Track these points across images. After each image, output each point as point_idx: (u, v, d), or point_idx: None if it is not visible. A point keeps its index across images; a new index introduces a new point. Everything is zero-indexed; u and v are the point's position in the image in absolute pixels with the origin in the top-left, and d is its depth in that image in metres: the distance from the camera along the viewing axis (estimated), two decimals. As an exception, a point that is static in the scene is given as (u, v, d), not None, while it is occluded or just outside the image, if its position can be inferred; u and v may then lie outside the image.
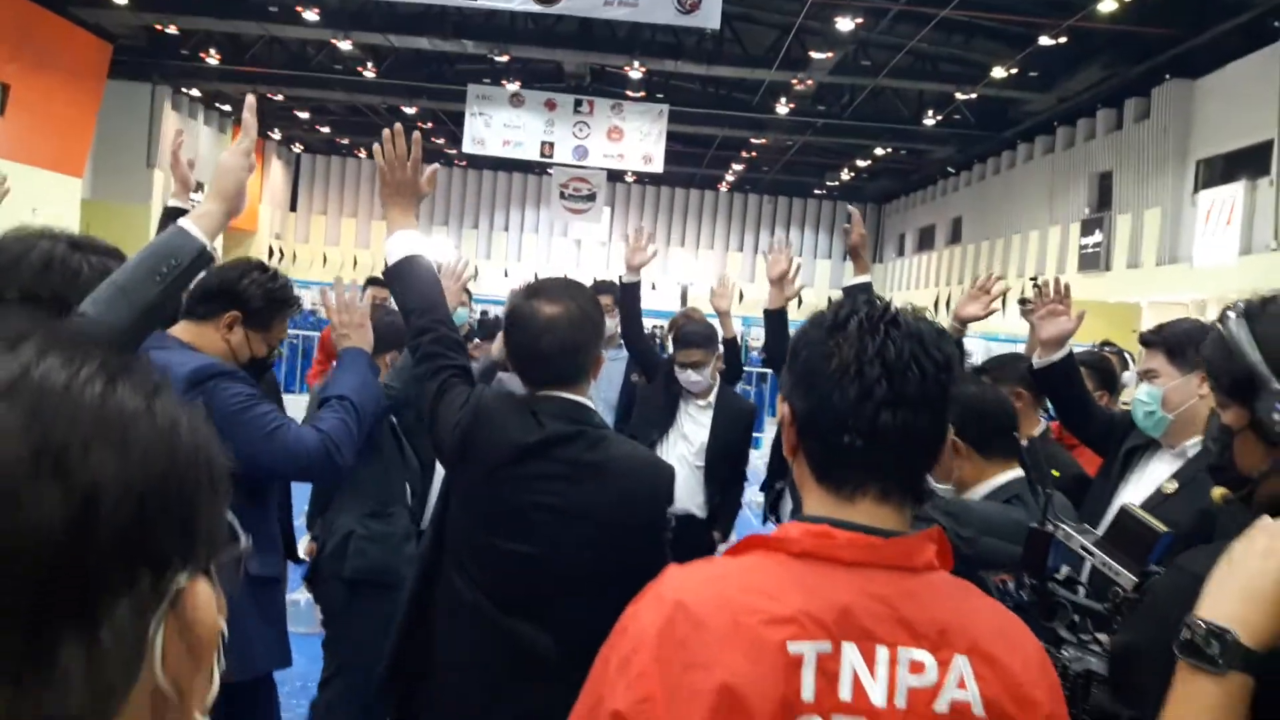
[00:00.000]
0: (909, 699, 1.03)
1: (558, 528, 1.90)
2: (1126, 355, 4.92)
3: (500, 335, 2.72)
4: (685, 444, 3.74)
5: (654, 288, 34.18)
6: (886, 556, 1.07)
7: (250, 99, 1.95)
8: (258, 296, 2.37)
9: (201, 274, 2.13)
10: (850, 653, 1.03)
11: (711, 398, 3.72)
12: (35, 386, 0.41)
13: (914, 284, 31.13)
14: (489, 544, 1.91)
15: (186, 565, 0.46)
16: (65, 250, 1.76)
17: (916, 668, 1.04)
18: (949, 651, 1.05)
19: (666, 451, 3.71)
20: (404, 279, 2.19)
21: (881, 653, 1.03)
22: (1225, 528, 1.28)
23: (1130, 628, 1.26)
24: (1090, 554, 1.41)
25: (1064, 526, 1.46)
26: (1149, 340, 2.70)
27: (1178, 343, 2.53)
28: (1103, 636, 1.39)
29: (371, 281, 6.79)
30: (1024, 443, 3.05)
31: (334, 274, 30.98)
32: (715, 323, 4.51)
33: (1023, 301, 4.22)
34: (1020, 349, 4.57)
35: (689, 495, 3.65)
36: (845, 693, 1.02)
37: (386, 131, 2.26)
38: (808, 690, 1.01)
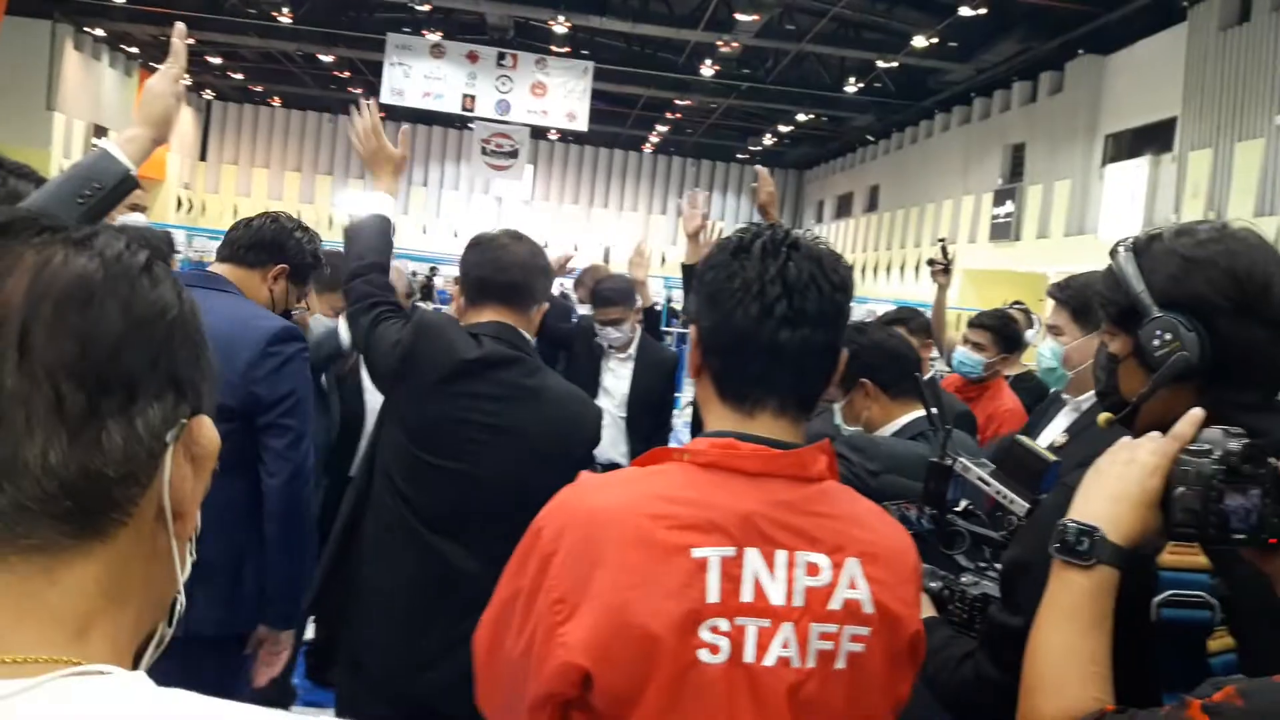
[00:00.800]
0: (806, 598, 1.10)
1: (489, 447, 1.95)
2: (1033, 316, 5.15)
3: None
4: (607, 397, 3.76)
5: (576, 249, 34.01)
6: (785, 466, 1.13)
7: (179, 25, 1.91)
8: (302, 254, 2.47)
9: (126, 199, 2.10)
10: (752, 557, 1.08)
11: (632, 349, 3.74)
12: (102, 250, 0.58)
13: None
14: (420, 460, 1.95)
15: (194, 400, 0.60)
16: None
17: (812, 569, 1.10)
18: (841, 555, 1.12)
19: None
20: (360, 231, 2.31)
21: (780, 556, 1.09)
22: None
23: (1018, 543, 1.32)
24: (986, 484, 1.47)
25: (962, 459, 1.51)
26: (1056, 296, 2.78)
27: (1083, 303, 2.59)
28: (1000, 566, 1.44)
29: None
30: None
31: (246, 226, 30.10)
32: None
33: (931, 262, 4.39)
34: (929, 312, 4.75)
35: (613, 445, 3.67)
36: (747, 594, 1.08)
37: (353, 107, 2.33)
38: (713, 593, 1.06)
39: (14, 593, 0.53)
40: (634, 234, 33.79)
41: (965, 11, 15.86)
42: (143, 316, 0.57)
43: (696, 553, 1.07)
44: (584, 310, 4.44)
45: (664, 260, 33.65)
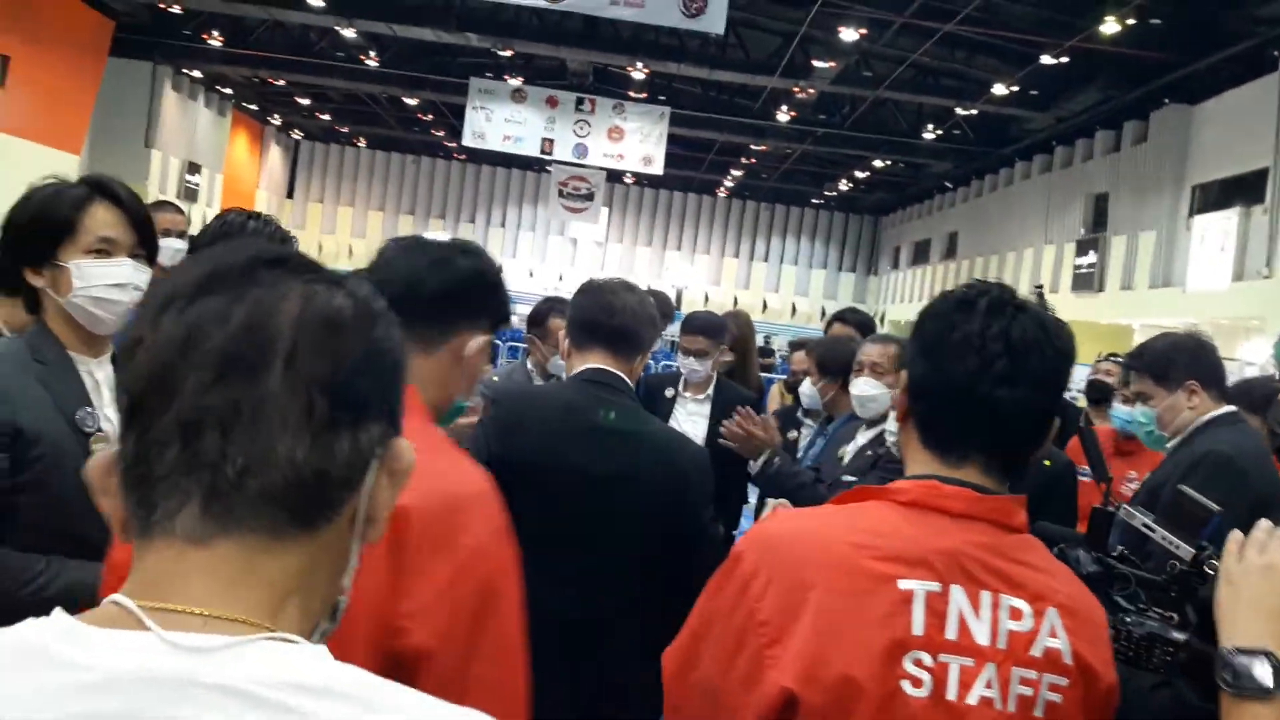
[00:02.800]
0: (1009, 641, 1.09)
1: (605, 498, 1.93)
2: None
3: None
4: None
5: (648, 290, 34.18)
6: (989, 511, 1.13)
7: None
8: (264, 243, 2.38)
9: None
10: (957, 594, 1.09)
11: (709, 390, 3.64)
12: (352, 292, 0.68)
13: (908, 298, 31.20)
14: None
15: (396, 425, 0.69)
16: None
17: (1016, 614, 1.10)
18: (1043, 603, 1.12)
19: None
20: None
21: (985, 596, 1.09)
22: None
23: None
24: (1151, 530, 1.55)
25: (1125, 507, 1.60)
26: (1132, 365, 2.87)
27: (1159, 365, 2.72)
28: (1159, 610, 1.49)
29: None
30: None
31: (330, 261, 30.87)
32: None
33: None
34: None
35: None
36: (952, 631, 1.08)
37: None
38: (918, 626, 1.07)
39: (241, 564, 0.62)
40: (706, 277, 33.88)
41: (1046, 60, 15.69)
42: (377, 350, 0.67)
43: (903, 584, 1.08)
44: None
45: (735, 303, 33.63)
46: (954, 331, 1.15)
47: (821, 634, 1.05)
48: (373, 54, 21.03)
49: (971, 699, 1.07)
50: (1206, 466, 2.37)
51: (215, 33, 21.18)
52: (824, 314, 32.53)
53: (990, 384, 1.13)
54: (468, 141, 22.13)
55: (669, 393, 3.64)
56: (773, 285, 34.20)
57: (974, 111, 19.55)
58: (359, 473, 0.66)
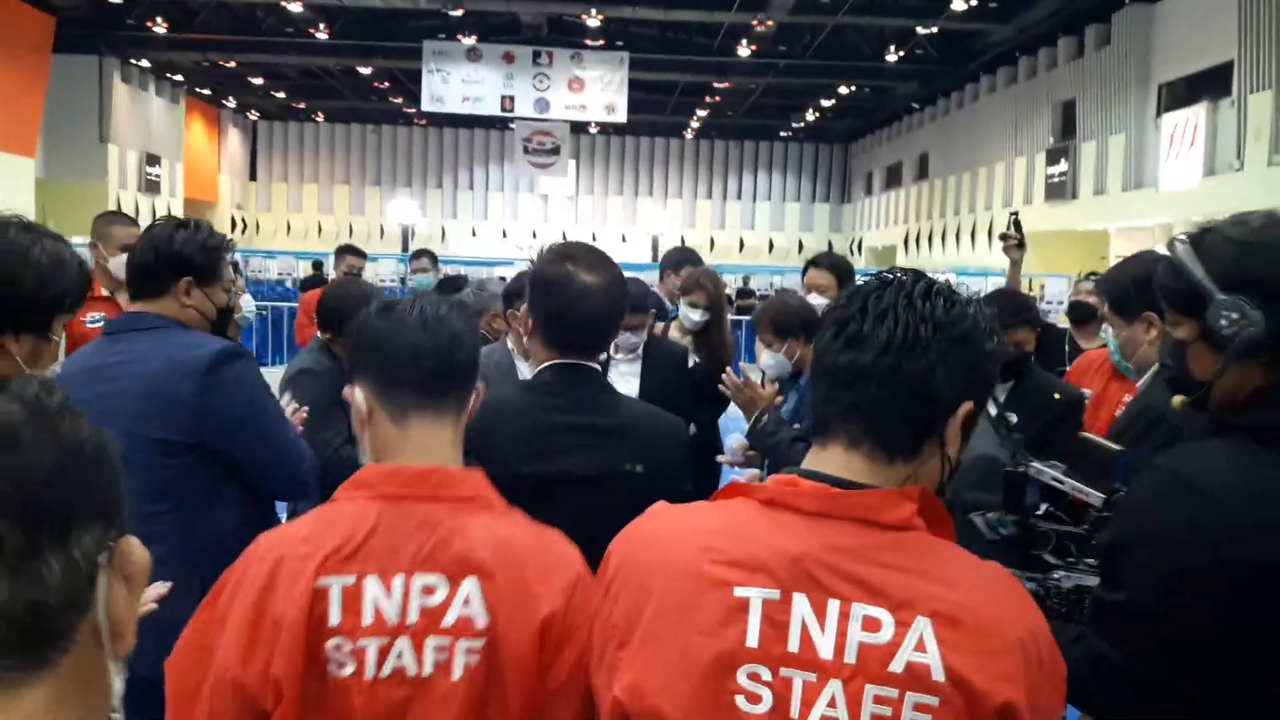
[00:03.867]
0: (860, 654, 1.00)
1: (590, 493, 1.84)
2: None
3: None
4: None
5: (624, 240, 34.01)
6: (848, 508, 1.04)
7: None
8: (197, 253, 2.26)
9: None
10: (800, 602, 1.01)
11: (638, 350, 3.63)
12: (20, 394, 0.61)
13: (883, 222, 31.18)
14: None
15: (119, 522, 0.63)
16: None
17: (871, 624, 1.00)
18: (910, 612, 1.00)
19: None
20: None
21: (833, 605, 1.01)
22: (1186, 431, 1.44)
23: (1112, 526, 1.34)
24: (1061, 483, 1.50)
25: (1034, 464, 1.55)
26: (1098, 291, 2.81)
27: (1120, 295, 2.59)
28: (1090, 561, 1.47)
29: (344, 250, 6.75)
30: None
31: (299, 241, 30.65)
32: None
33: (1004, 236, 4.24)
34: (988, 283, 4.60)
35: None
36: (793, 643, 1.00)
37: None
38: (752, 636, 1.01)
39: None
40: (681, 221, 33.72)
41: (1004, -31, 15.52)
42: (67, 451, 0.60)
43: (739, 591, 1.02)
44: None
45: (712, 245, 33.53)
46: (834, 311, 1.12)
47: (650, 644, 1.02)
48: (322, 26, 20.61)
49: (813, 718, 0.99)
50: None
51: (159, 19, 20.72)
52: (801, 247, 32.49)
53: (836, 350, 1.08)
54: (426, 106, 21.84)
55: (601, 356, 3.64)
56: (748, 223, 34.10)
57: (935, 30, 19.37)
58: (83, 590, 0.60)
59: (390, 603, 1.16)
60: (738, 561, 1.03)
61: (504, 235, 32.64)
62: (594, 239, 33.67)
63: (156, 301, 2.25)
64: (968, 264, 21.44)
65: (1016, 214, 4.57)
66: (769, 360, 3.33)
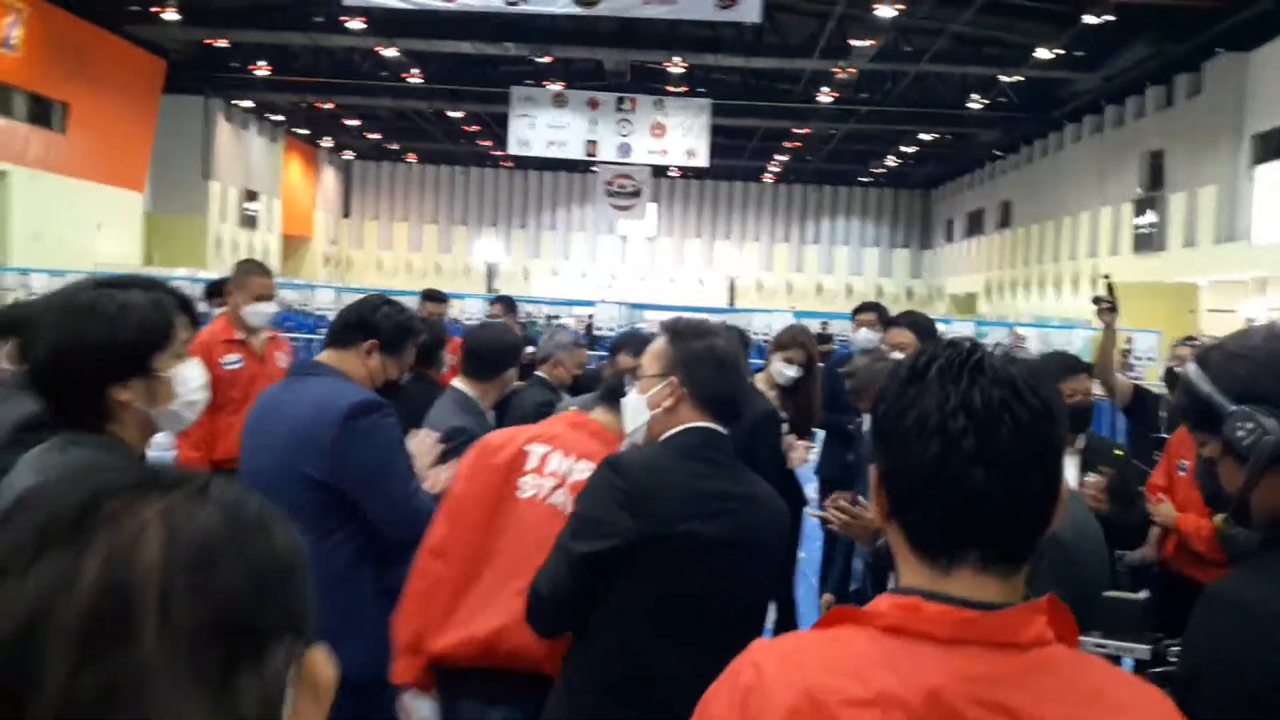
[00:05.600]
0: None
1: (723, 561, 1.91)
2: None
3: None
4: None
5: (701, 283, 34.21)
6: (985, 632, 0.94)
7: None
8: (389, 326, 2.61)
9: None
10: None
11: None
12: (220, 499, 0.61)
13: (964, 269, 30.83)
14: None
15: (307, 633, 0.62)
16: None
17: None
18: None
19: None
20: None
21: None
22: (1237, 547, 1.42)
23: (1182, 659, 1.36)
24: (1104, 647, 1.53)
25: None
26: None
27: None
28: None
29: (427, 296, 6.82)
30: (1081, 443, 3.08)
31: (389, 278, 31.46)
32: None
33: (1097, 300, 4.17)
34: (1073, 335, 4.53)
35: None
36: None
37: None
38: None
39: None
40: (757, 264, 33.80)
41: (1089, 19, 15.42)
42: (265, 567, 0.59)
43: None
44: None
45: (789, 288, 33.53)
46: (906, 415, 0.99)
47: None
48: (415, 71, 21.39)
49: None
50: None
51: (261, 62, 21.73)
52: (879, 293, 32.21)
53: (958, 467, 0.95)
54: (513, 149, 22.42)
55: None
56: (826, 267, 34.03)
57: (1019, 78, 19.27)
58: (274, 708, 0.58)
59: None
60: (868, 701, 0.93)
61: (584, 276, 33.11)
62: (671, 281, 33.98)
63: (340, 353, 2.58)
64: (1050, 314, 21.08)
65: (1109, 277, 4.46)
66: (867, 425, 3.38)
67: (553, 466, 2.20)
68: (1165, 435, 4.02)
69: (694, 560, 1.88)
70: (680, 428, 1.98)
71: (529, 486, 2.18)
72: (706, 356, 2.01)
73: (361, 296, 2.76)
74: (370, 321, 2.60)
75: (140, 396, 1.59)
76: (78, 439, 1.57)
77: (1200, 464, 1.36)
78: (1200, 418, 1.34)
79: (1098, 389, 4.37)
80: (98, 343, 1.55)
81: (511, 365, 3.32)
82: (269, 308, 4.12)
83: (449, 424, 3.00)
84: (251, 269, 4.22)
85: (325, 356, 2.62)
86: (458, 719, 2.21)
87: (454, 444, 3.34)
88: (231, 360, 3.92)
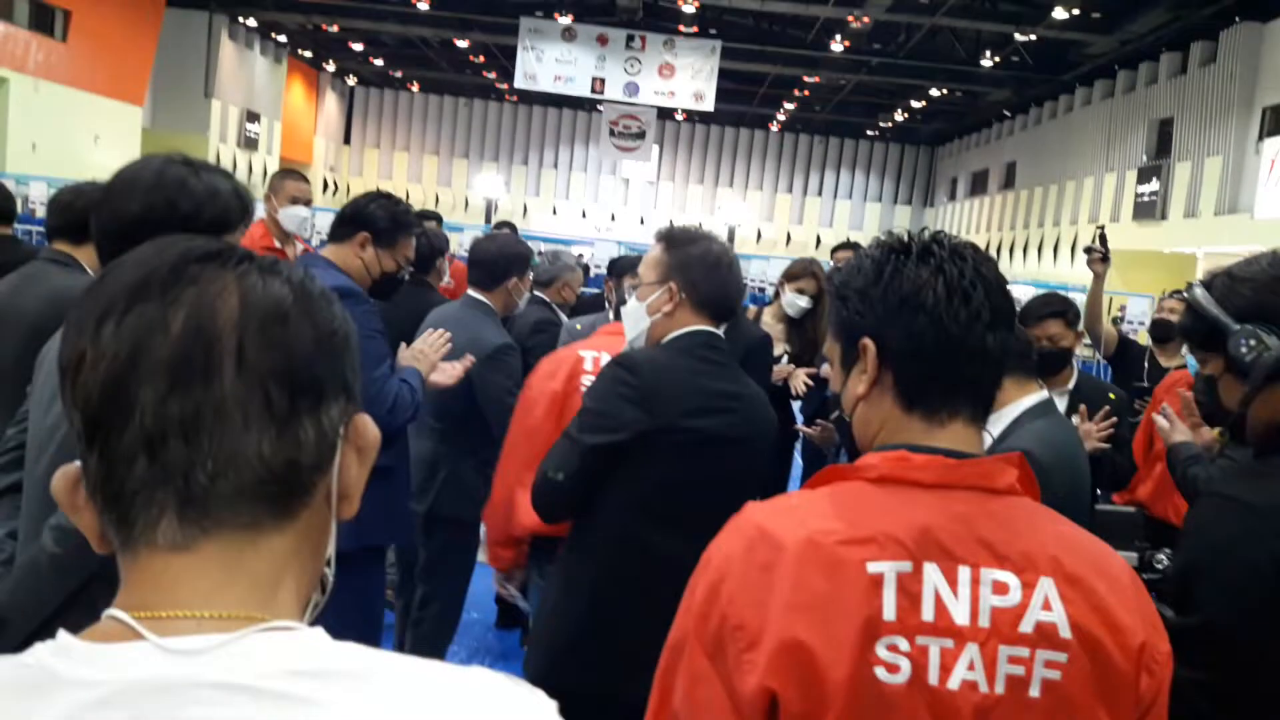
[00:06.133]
0: (992, 618, 1.02)
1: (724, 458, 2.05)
2: None
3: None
4: None
5: (701, 228, 34.01)
6: (966, 477, 1.06)
7: None
8: (384, 218, 2.67)
9: None
10: (932, 572, 1.02)
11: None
12: (288, 277, 0.69)
13: (966, 229, 30.75)
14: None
15: (355, 400, 0.71)
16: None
17: (1000, 588, 1.03)
18: (1033, 573, 1.04)
19: None
20: None
21: (963, 572, 1.03)
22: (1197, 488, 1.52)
23: (1181, 552, 1.45)
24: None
25: None
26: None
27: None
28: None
29: (423, 217, 6.95)
30: (1072, 384, 3.18)
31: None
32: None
33: (1088, 250, 4.26)
34: (1075, 297, 4.57)
35: None
36: (928, 612, 1.01)
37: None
38: (889, 609, 1.01)
39: (225, 562, 0.64)
40: (759, 213, 33.66)
41: (1110, -20, 15.24)
42: (325, 332, 0.67)
43: (871, 567, 1.02)
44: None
45: (789, 239, 33.41)
46: (934, 285, 1.09)
47: (789, 628, 1.00)
48: (423, -3, 21.07)
49: (953, 683, 1.01)
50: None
51: (268, -20, 21.35)
52: (884, 236, 31.94)
53: (981, 332, 1.08)
54: (519, 83, 22.16)
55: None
56: (827, 220, 33.91)
57: (1033, 37, 19.07)
58: (327, 455, 0.67)
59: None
60: (864, 538, 1.03)
61: (583, 215, 32.95)
62: (670, 223, 33.59)
63: (337, 247, 2.66)
64: (1049, 278, 21.11)
65: (1103, 228, 4.56)
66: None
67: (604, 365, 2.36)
68: (1147, 385, 4.10)
69: (693, 452, 2.01)
70: (681, 331, 2.10)
71: (588, 382, 2.36)
72: (701, 259, 2.13)
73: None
74: (364, 214, 2.66)
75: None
76: None
77: (1200, 382, 1.45)
78: (1205, 337, 1.42)
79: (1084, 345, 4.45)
80: (186, 215, 1.65)
81: (515, 273, 3.37)
82: (304, 211, 4.19)
83: (480, 328, 3.20)
84: (286, 174, 4.34)
85: (326, 251, 2.71)
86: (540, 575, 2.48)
87: (545, 334, 3.70)
88: None
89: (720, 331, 2.13)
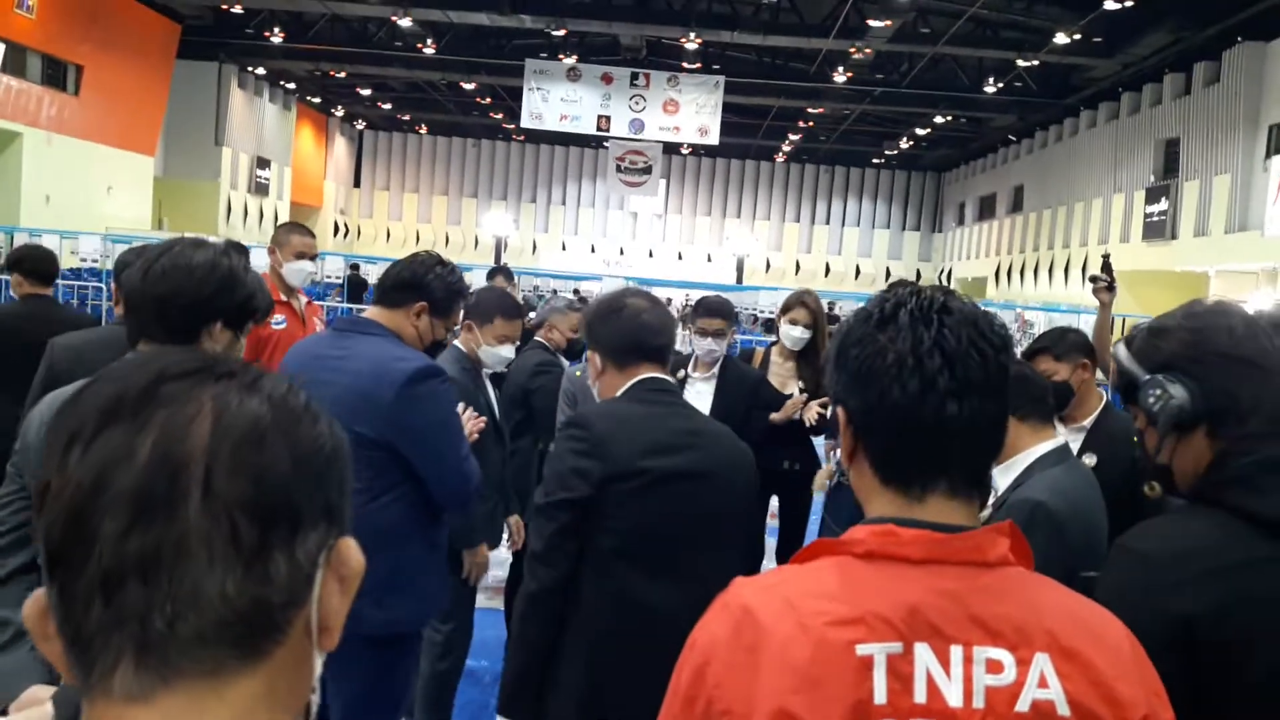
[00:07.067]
0: (987, 699, 0.99)
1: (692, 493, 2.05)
2: None
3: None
4: None
5: (709, 260, 34.18)
6: (956, 551, 1.03)
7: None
8: (441, 289, 2.63)
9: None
10: (923, 652, 1.00)
11: (715, 369, 3.78)
12: (269, 393, 0.65)
13: (974, 254, 30.75)
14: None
15: (340, 523, 0.66)
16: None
17: (994, 667, 1.00)
18: (1028, 649, 1.01)
19: None
20: None
21: (956, 652, 1.00)
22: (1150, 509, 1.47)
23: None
24: None
25: None
26: None
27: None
28: None
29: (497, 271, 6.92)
30: (1090, 421, 3.08)
31: (398, 248, 31.49)
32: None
33: (1094, 279, 4.19)
34: (1081, 321, 4.54)
35: None
36: (920, 694, 0.99)
37: None
38: (880, 693, 0.98)
39: (187, 711, 0.59)
40: (767, 244, 33.74)
41: (1110, 5, 15.32)
42: (305, 453, 0.63)
43: (861, 649, 0.98)
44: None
45: (798, 268, 33.47)
46: (884, 355, 1.06)
47: (781, 715, 0.98)
48: (430, 41, 21.32)
49: None
50: None
51: (276, 29, 21.66)
52: (888, 275, 32.14)
53: (937, 403, 1.04)
54: (526, 123, 22.37)
55: (680, 374, 3.82)
56: (835, 248, 33.97)
57: (1036, 62, 19.16)
58: (302, 589, 0.62)
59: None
60: (852, 619, 1.00)
61: (592, 250, 33.10)
62: (680, 258, 33.93)
63: (389, 312, 2.61)
64: (1059, 300, 21.07)
65: (1108, 255, 4.47)
66: None
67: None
68: None
69: (660, 492, 2.02)
70: (628, 384, 2.15)
71: None
72: (601, 318, 2.22)
73: (411, 255, 2.78)
74: (423, 282, 2.61)
75: (224, 344, 1.86)
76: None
77: (1141, 436, 1.42)
78: (1126, 391, 1.42)
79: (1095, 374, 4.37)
80: (236, 299, 1.86)
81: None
82: (309, 266, 4.17)
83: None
84: (292, 228, 4.27)
85: (374, 314, 2.63)
86: None
87: (548, 375, 3.76)
88: (278, 321, 3.94)
89: (663, 375, 2.15)
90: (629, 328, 2.17)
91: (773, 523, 4.17)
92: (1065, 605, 1.05)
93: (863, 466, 1.10)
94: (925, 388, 1.04)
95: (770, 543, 4.25)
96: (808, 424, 3.88)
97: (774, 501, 4.13)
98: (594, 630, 2.01)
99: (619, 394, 2.14)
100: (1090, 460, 2.87)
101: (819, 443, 4.23)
